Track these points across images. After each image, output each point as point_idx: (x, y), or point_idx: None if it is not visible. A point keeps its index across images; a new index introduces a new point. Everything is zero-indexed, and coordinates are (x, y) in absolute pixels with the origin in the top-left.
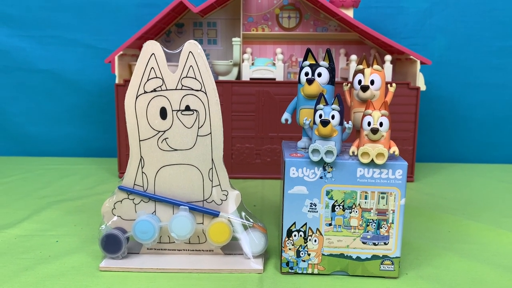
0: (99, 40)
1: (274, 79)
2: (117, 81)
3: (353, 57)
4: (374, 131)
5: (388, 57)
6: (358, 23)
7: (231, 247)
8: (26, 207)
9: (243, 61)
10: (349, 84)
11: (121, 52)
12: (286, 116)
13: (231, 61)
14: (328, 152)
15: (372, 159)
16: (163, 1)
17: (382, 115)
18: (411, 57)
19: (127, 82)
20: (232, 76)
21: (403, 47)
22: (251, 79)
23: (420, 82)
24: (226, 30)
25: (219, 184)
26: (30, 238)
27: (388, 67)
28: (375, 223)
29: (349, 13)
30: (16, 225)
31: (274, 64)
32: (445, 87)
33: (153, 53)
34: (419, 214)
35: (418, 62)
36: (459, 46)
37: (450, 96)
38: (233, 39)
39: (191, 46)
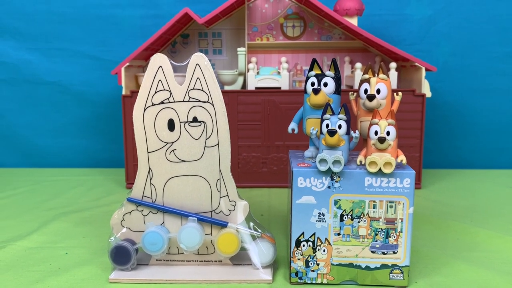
0: (105, 51)
1: (280, 88)
2: (123, 92)
3: (358, 65)
4: (381, 140)
5: (393, 65)
6: (362, 31)
7: (240, 258)
8: (35, 219)
9: (248, 71)
10: (355, 93)
11: (127, 64)
12: (292, 125)
13: (236, 71)
14: (336, 162)
15: (380, 168)
16: (168, 12)
17: (389, 124)
18: (416, 64)
19: (133, 93)
20: (237, 86)
21: (408, 54)
22: (256, 88)
23: (426, 89)
24: (231, 40)
25: (227, 195)
26: (40, 250)
27: (393, 74)
28: (383, 232)
29: (353, 21)
30: (25, 237)
31: (279, 73)
32: (451, 93)
33: (161, 66)
34: (427, 221)
35: (423, 69)
36: (463, 52)
37: (455, 102)
38: (238, 49)
39: (198, 58)
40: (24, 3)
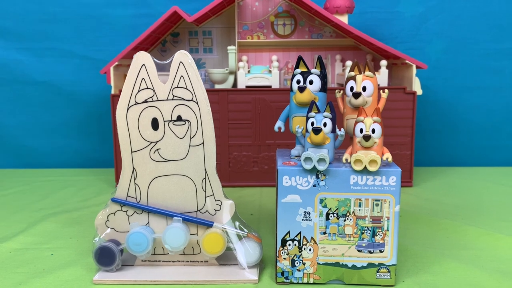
0: (95, 51)
1: (270, 86)
2: (112, 92)
3: (349, 63)
4: (366, 138)
5: (383, 62)
6: (353, 29)
7: (226, 258)
8: (23, 220)
9: (238, 69)
10: (341, 91)
11: (116, 63)
12: (279, 124)
13: (227, 69)
14: (321, 160)
15: (365, 166)
16: (159, 11)
17: (374, 122)
18: (407, 61)
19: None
20: (228, 84)
21: (398, 52)
22: (247, 87)
23: (417, 87)
24: (222, 38)
25: (213, 194)
26: (25, 252)
27: (384, 72)
28: (370, 230)
29: (344, 19)
30: (12, 238)
31: (270, 71)
32: (442, 91)
33: (144, 64)
34: (417, 220)
35: (414, 66)
36: (455, 50)
37: (447, 99)
38: (229, 47)
39: (182, 56)
40: (14, 3)
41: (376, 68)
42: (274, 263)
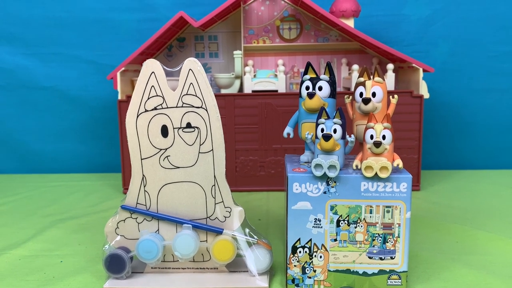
0: (101, 56)
1: (276, 90)
2: (119, 97)
3: (355, 66)
4: (377, 144)
5: (390, 66)
6: (359, 33)
7: (236, 265)
8: (31, 226)
9: (244, 74)
10: (350, 97)
11: (123, 68)
12: (288, 130)
13: (233, 74)
14: (331, 167)
15: (376, 172)
16: (165, 15)
17: (385, 128)
18: (414, 65)
19: (129, 98)
20: (234, 89)
21: (405, 55)
22: (253, 91)
23: (424, 90)
24: (227, 43)
25: (222, 201)
26: (35, 259)
27: (390, 75)
28: (381, 237)
29: (350, 23)
30: (21, 245)
31: (276, 75)
32: (449, 94)
33: (153, 72)
34: (426, 224)
35: (421, 70)
36: (462, 52)
37: (454, 102)
38: (235, 52)
39: (191, 63)
40: (20, 8)
41: (383, 71)
42: (284, 269)
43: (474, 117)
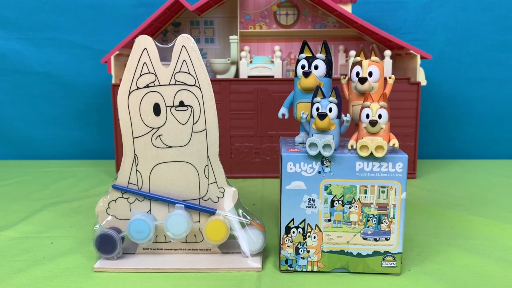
0: (95, 41)
1: (273, 76)
2: (113, 81)
3: (352, 53)
4: (373, 123)
5: (387, 52)
6: (357, 18)
7: (229, 246)
8: (22, 209)
9: (240, 59)
10: (346, 77)
11: (117, 52)
12: (283, 111)
13: (228, 59)
14: (326, 146)
15: (371, 152)
16: (160, 1)
17: (381, 107)
18: (411, 51)
19: None
20: (230, 75)
21: (403, 42)
22: (249, 77)
23: (421, 77)
24: (223, 28)
25: (215, 181)
26: (25, 240)
27: (387, 62)
28: (375, 218)
29: (348, 8)
30: (11, 227)
31: (272, 61)
32: (446, 83)
33: (145, 48)
34: (422, 210)
35: (418, 56)
36: (459, 41)
37: (451, 91)
38: (230, 37)
39: (184, 40)
40: None
41: (380, 58)
42: (277, 252)
43: (471, 106)
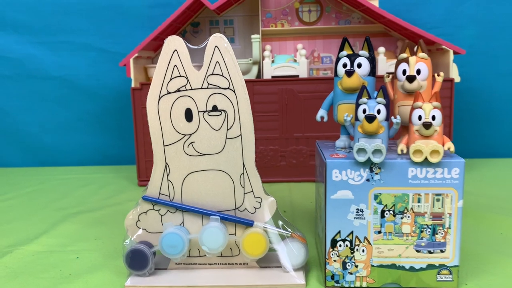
0: (112, 43)
1: (298, 76)
2: (133, 85)
3: (381, 49)
4: (427, 125)
5: None
6: (385, 13)
7: (268, 260)
8: (43, 220)
9: (263, 59)
10: (390, 75)
11: (136, 54)
12: (321, 113)
13: (250, 59)
14: (376, 151)
15: (426, 157)
16: (177, 1)
17: (435, 108)
18: (443, 47)
19: (144, 85)
20: (252, 75)
21: (434, 37)
22: (273, 77)
23: (454, 73)
24: (244, 27)
25: (252, 191)
26: (49, 255)
27: None
28: (430, 228)
29: (374, 3)
30: (33, 240)
31: (295, 60)
32: (476, 79)
33: (176, 50)
34: (466, 215)
35: (451, 52)
36: (490, 35)
37: (481, 87)
38: (252, 36)
39: (217, 40)
40: None
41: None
42: (317, 265)
43: (502, 103)
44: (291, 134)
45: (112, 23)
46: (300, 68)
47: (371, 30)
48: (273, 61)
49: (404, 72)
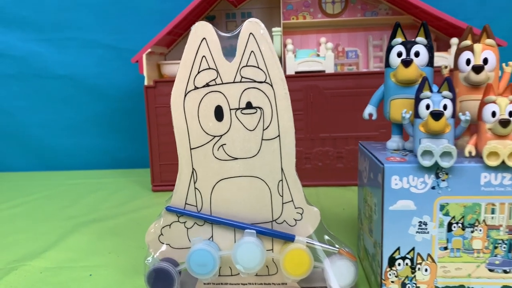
0: (120, 39)
1: (324, 71)
2: (146, 83)
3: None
4: (504, 123)
5: (454, 40)
6: (419, 2)
7: (309, 279)
8: (51, 230)
9: (286, 53)
10: (448, 66)
11: (149, 50)
12: (370, 109)
13: None
14: (446, 154)
15: (503, 160)
16: None
17: (511, 102)
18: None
19: (157, 83)
20: None
21: (476, 29)
22: (296, 72)
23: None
24: (263, 20)
25: (292, 200)
26: (59, 272)
27: (454, 52)
28: (505, 244)
29: None
30: (41, 254)
31: (318, 55)
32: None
33: (204, 38)
34: None
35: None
36: None
37: None
38: (273, 29)
39: (252, 25)
40: None
41: (445, 47)
42: (365, 283)
43: None
44: (317, 134)
45: (121, 18)
46: (326, 62)
47: (400, 22)
48: (295, 56)
49: (468, 61)
